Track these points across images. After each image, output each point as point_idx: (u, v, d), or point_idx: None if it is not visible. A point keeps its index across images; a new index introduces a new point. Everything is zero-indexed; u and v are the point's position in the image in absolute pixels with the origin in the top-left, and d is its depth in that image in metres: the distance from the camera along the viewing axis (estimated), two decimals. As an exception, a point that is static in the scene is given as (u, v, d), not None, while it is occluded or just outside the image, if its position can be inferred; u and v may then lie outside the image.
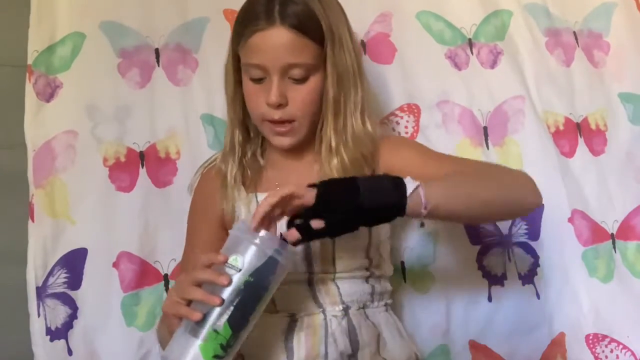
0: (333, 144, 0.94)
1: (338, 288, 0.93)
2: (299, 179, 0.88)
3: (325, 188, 0.78)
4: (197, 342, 0.73)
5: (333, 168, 0.94)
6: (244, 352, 0.91)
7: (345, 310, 0.92)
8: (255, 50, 0.90)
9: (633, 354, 1.21)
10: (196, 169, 1.09)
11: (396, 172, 0.87)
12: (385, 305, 0.98)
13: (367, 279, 0.95)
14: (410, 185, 0.79)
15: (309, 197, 0.77)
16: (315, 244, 0.92)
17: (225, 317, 0.74)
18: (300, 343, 0.89)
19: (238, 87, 0.97)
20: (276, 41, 0.89)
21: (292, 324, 0.91)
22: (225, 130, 1.04)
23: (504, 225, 1.22)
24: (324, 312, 0.92)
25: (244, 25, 0.91)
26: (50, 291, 1.05)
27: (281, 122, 0.93)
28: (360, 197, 0.77)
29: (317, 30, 0.91)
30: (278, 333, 0.91)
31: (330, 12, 0.93)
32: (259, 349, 0.91)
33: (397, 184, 0.80)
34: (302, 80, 0.92)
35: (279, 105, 0.91)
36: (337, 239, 0.89)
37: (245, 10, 0.94)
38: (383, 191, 0.79)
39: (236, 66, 0.96)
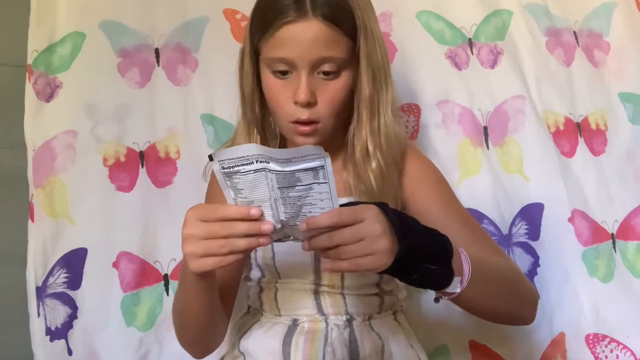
0: (370, 147, 0.88)
1: (344, 299, 0.90)
2: None
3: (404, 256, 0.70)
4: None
5: (370, 173, 0.87)
6: (244, 352, 0.91)
7: (349, 320, 0.89)
8: (283, 44, 0.82)
9: (633, 354, 1.21)
10: (196, 169, 1.09)
11: (417, 206, 0.86)
12: (394, 313, 0.95)
13: (376, 294, 0.92)
14: (457, 281, 0.75)
15: (380, 261, 0.69)
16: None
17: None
18: (298, 349, 0.87)
19: (256, 85, 0.90)
20: (308, 35, 0.81)
21: (292, 328, 0.89)
22: (235, 133, 0.98)
23: (504, 225, 1.22)
24: (326, 320, 0.89)
25: (269, 16, 0.83)
26: (50, 291, 1.05)
27: (308, 122, 0.85)
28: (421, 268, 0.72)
29: (351, 22, 0.83)
30: (277, 337, 0.89)
31: (362, 3, 0.86)
32: (258, 351, 0.90)
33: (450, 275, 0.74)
34: (333, 76, 0.84)
35: (308, 104, 0.84)
36: None
37: (268, 0, 0.85)
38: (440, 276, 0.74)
39: (254, 62, 0.89)
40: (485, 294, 0.80)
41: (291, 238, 0.73)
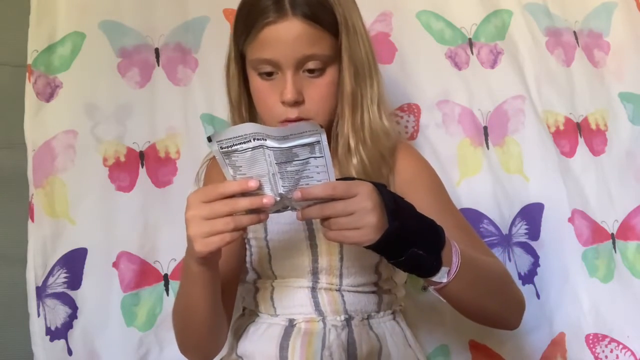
0: (352, 143, 0.88)
1: (342, 297, 0.89)
2: None
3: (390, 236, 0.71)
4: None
5: (352, 169, 0.88)
6: (242, 355, 0.91)
7: (347, 320, 0.88)
8: (266, 45, 0.83)
9: (633, 354, 1.21)
10: (196, 169, 1.08)
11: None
12: (393, 312, 0.94)
13: (374, 292, 0.91)
14: (444, 271, 0.75)
15: (367, 236, 0.71)
16: (323, 260, 0.89)
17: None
18: (295, 353, 0.85)
19: (243, 89, 0.92)
20: (289, 34, 0.82)
21: (289, 329, 0.88)
22: None
23: (504, 225, 1.22)
24: (324, 320, 0.88)
25: (250, 19, 0.84)
26: (50, 291, 1.05)
27: (297, 121, 0.85)
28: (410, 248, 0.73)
29: (331, 19, 0.84)
30: (274, 341, 0.87)
31: (343, 0, 0.86)
32: (255, 355, 0.89)
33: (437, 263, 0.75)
34: (318, 73, 0.85)
35: (296, 103, 0.84)
36: (346, 257, 0.88)
37: (249, 3, 0.86)
38: (424, 258, 0.74)
39: (240, 66, 0.90)
40: (473, 290, 0.80)
41: (289, 208, 0.75)
